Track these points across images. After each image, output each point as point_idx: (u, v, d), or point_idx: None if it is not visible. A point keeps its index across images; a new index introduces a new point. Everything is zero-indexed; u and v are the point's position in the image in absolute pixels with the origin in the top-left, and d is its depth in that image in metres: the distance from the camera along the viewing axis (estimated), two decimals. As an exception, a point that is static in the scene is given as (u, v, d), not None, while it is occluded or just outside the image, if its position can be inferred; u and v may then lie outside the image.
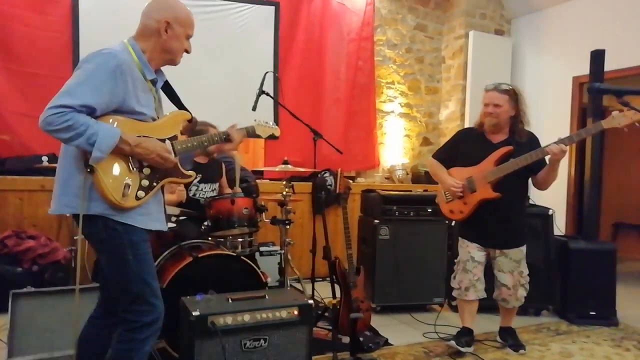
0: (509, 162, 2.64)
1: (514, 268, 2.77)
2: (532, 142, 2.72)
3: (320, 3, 4.93)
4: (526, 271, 2.82)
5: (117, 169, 1.65)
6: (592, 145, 3.63)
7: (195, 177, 3.36)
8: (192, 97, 4.30)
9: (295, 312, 2.06)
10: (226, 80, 4.49)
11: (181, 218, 3.00)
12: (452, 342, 2.78)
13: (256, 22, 4.69)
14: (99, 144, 1.55)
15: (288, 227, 3.07)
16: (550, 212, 3.66)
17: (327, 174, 4.71)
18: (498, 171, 2.66)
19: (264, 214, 3.01)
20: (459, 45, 5.46)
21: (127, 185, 1.65)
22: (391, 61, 5.40)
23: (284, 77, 4.82)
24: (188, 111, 1.92)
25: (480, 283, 2.79)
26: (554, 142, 2.52)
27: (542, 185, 2.72)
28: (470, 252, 2.80)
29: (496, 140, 2.76)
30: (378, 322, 3.30)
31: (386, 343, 2.90)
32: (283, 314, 2.04)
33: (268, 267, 3.85)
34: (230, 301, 2.05)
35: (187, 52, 1.88)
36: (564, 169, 4.81)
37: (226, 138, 1.98)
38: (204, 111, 4.12)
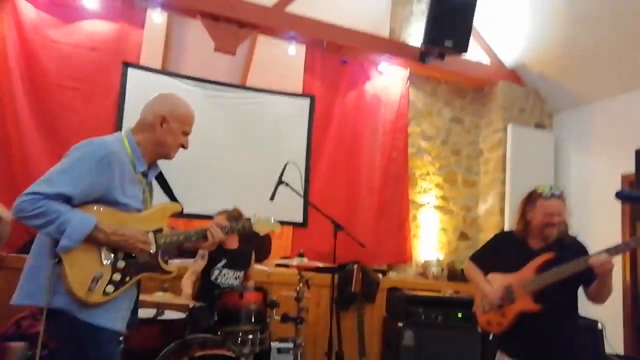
0: (550, 271, 2.37)
1: None
2: (579, 249, 2.43)
3: (355, 96, 5.04)
4: None
5: (86, 260, 1.58)
6: None
7: (221, 261, 3.34)
8: (222, 182, 4.46)
9: None
10: (258, 169, 4.54)
11: (197, 305, 2.88)
12: None
13: (291, 113, 4.82)
14: (69, 233, 1.52)
15: (300, 325, 2.86)
16: (600, 325, 3.25)
17: (355, 267, 4.49)
18: (538, 280, 2.39)
19: (274, 310, 2.83)
20: (497, 139, 5.34)
21: (96, 279, 1.57)
22: (426, 152, 5.34)
23: (316, 167, 4.84)
24: (179, 203, 1.88)
25: None
26: (599, 252, 2.26)
27: (595, 300, 2.41)
28: None
29: (537, 247, 2.52)
30: None
31: None
32: None
33: (284, 366, 3.58)
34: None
35: (184, 147, 1.89)
36: (618, 274, 4.35)
37: (203, 236, 1.90)
38: (232, 197, 4.19)
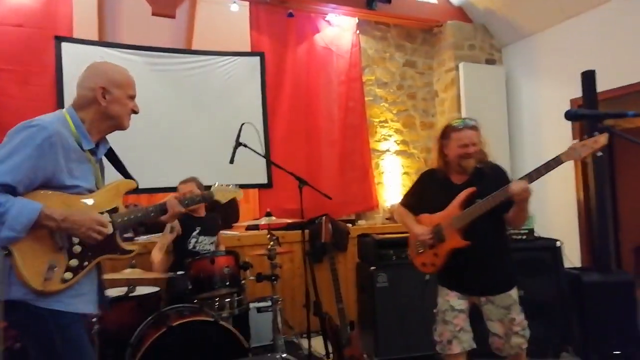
0: (473, 206, 2.41)
1: (503, 316, 2.49)
2: (498, 176, 2.47)
3: (306, 49, 4.93)
4: (519, 317, 2.52)
5: (38, 249, 1.51)
6: (594, 165, 3.42)
7: (195, 230, 3.31)
8: (180, 151, 4.35)
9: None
10: (214, 134, 4.44)
11: (175, 274, 2.86)
12: None
13: (242, 74, 4.69)
14: (10, 223, 1.43)
15: (276, 282, 2.89)
16: (558, 243, 3.44)
17: (323, 219, 4.54)
18: (464, 217, 2.43)
19: (248, 271, 2.85)
20: (450, 78, 5.38)
21: (52, 267, 1.51)
22: (382, 100, 5.34)
23: (274, 125, 4.78)
24: (133, 179, 1.82)
25: (465, 333, 2.51)
26: (517, 180, 2.33)
27: (513, 225, 2.51)
28: (450, 301, 2.54)
29: (459, 182, 2.53)
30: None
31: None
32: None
33: (265, 324, 3.64)
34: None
35: (135, 112, 1.80)
36: (572, 194, 4.59)
37: (162, 211, 1.86)
38: (192, 166, 4.11)
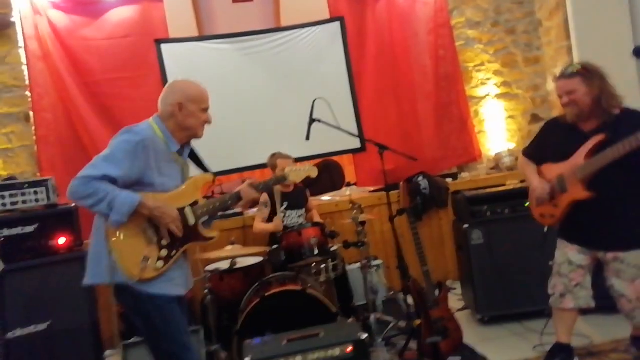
0: (601, 154, 2.22)
1: (634, 276, 2.27)
2: (635, 123, 2.19)
3: (385, 4, 4.78)
4: None
5: (134, 245, 1.82)
6: None
7: (282, 205, 3.58)
8: (273, 129, 4.59)
9: (349, 349, 2.03)
10: (303, 107, 4.56)
11: (273, 247, 3.17)
12: None
13: (325, 42, 4.73)
14: (118, 208, 1.75)
15: (363, 248, 3.01)
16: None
17: (420, 178, 4.50)
18: (588, 166, 2.26)
19: (335, 239, 3.01)
20: (555, 3, 4.79)
21: (146, 258, 1.82)
22: (476, 41, 4.97)
23: (361, 87, 4.78)
24: (211, 173, 2.05)
25: (583, 290, 2.38)
26: None
27: None
28: (568, 254, 2.41)
29: (588, 129, 2.34)
30: (484, 335, 3.07)
31: (484, 361, 2.67)
32: (336, 351, 2.03)
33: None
34: (285, 342, 2.10)
35: (208, 122, 2.01)
36: None
37: (238, 198, 2.05)
38: (285, 141, 4.33)
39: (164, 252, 1.88)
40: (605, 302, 2.43)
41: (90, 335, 2.83)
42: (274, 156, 3.62)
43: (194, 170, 2.19)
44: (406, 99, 4.82)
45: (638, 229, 2.29)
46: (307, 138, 3.02)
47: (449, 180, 4.66)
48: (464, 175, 4.89)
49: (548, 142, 2.52)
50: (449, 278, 4.27)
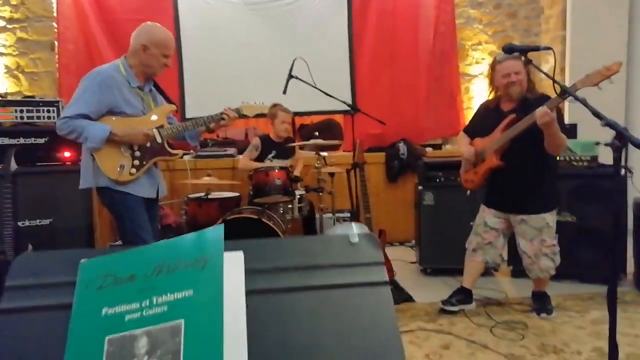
0: (508, 130, 2.61)
1: (534, 236, 2.69)
2: (539, 104, 2.52)
3: (393, -25, 5.00)
4: (551, 240, 2.70)
5: (112, 154, 2.30)
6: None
7: (271, 152, 3.99)
8: (274, 81, 4.94)
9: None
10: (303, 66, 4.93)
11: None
12: (440, 303, 2.85)
13: (330, 6, 5.01)
14: (91, 139, 2.22)
15: (321, 194, 3.44)
16: (623, 171, 3.29)
17: (401, 144, 4.85)
18: (500, 139, 2.65)
19: (298, 183, 3.44)
20: (557, -9, 4.94)
21: (122, 166, 2.28)
22: (476, 21, 5.18)
23: (360, 52, 5.06)
24: (173, 103, 2.48)
25: (492, 248, 2.79)
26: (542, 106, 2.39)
27: (549, 151, 2.57)
28: (485, 217, 2.83)
29: (507, 109, 2.71)
30: (421, 282, 3.52)
31: (408, 299, 3.10)
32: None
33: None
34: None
35: (167, 66, 2.41)
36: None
37: (219, 119, 2.49)
38: (278, 98, 4.67)
39: (137, 162, 2.35)
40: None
41: (85, 233, 3.36)
42: (275, 106, 3.92)
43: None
44: (401, 69, 5.10)
45: (539, 197, 2.68)
46: (284, 92, 3.38)
47: (430, 149, 4.99)
48: (448, 147, 5.21)
49: (479, 120, 2.89)
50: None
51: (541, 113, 2.36)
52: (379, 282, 0.73)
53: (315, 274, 0.74)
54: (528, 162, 2.64)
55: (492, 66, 2.73)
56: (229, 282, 0.67)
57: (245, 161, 3.87)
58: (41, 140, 3.29)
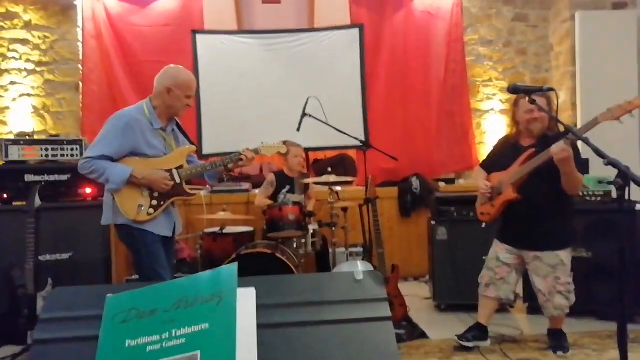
0: (526, 164, 2.64)
1: (548, 273, 2.68)
2: (555, 142, 2.54)
3: (403, 16, 5.17)
4: (566, 278, 2.69)
5: (131, 195, 2.39)
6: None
7: (285, 187, 4.07)
8: (288, 120, 5.08)
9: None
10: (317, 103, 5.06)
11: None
12: (455, 337, 2.82)
13: (343, 45, 5.18)
14: (112, 181, 2.32)
15: (334, 229, 3.49)
16: (639, 207, 3.28)
17: (414, 178, 4.90)
18: (518, 172, 2.67)
19: (312, 218, 3.50)
20: (565, 29, 5.05)
21: (140, 206, 2.37)
22: (487, 58, 5.29)
23: (372, 90, 5.19)
24: (193, 144, 2.58)
25: (505, 284, 2.78)
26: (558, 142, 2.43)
27: (566, 189, 2.59)
28: (498, 252, 2.83)
29: (526, 144, 2.75)
30: (435, 318, 3.49)
31: (421, 336, 3.08)
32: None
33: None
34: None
35: (189, 106, 2.53)
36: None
37: (238, 158, 2.55)
38: (293, 136, 4.77)
39: (155, 202, 2.42)
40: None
41: (103, 267, 3.44)
42: (285, 143, 4.05)
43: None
44: (413, 106, 5.21)
45: (553, 234, 2.68)
46: (298, 130, 3.49)
47: (443, 184, 5.02)
48: (461, 181, 5.24)
49: (497, 155, 2.92)
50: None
51: (558, 149, 2.40)
52: (382, 317, 0.77)
53: (323, 309, 0.78)
54: (544, 198, 2.65)
55: (516, 100, 2.77)
56: (242, 317, 0.72)
57: (260, 199, 3.97)
58: (64, 177, 3.42)
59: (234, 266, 0.79)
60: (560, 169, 2.48)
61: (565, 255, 2.70)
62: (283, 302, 0.79)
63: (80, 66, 4.78)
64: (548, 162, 2.50)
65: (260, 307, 0.77)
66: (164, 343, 0.68)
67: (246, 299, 0.77)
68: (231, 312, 0.70)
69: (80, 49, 4.77)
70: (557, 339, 2.80)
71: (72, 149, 3.49)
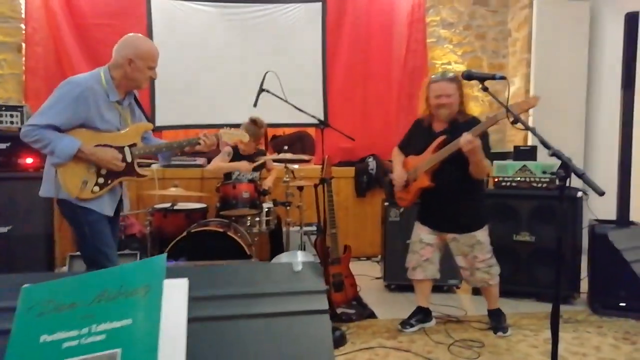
0: (436, 153, 2.69)
1: (467, 252, 2.80)
2: (470, 127, 2.61)
3: (367, -8, 5.10)
4: (484, 255, 2.79)
5: (76, 169, 2.22)
6: (623, 112, 3.27)
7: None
8: (245, 92, 4.96)
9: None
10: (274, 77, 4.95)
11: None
12: (399, 326, 2.90)
13: (304, 19, 5.06)
14: (58, 154, 2.15)
15: (289, 208, 3.46)
16: (579, 194, 3.43)
17: (370, 159, 4.93)
18: (430, 161, 2.73)
19: (266, 196, 3.45)
20: (524, 16, 5.13)
21: (85, 182, 2.22)
22: (447, 41, 5.32)
23: (333, 67, 5.13)
24: (150, 122, 2.44)
25: (430, 264, 2.88)
26: (466, 133, 2.49)
27: (474, 175, 2.67)
28: (420, 234, 2.91)
29: (438, 129, 2.80)
30: (384, 298, 3.55)
31: (370, 316, 3.14)
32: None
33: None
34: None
35: (153, 78, 2.37)
36: (616, 147, 4.25)
37: (196, 143, 2.42)
38: (252, 109, 4.67)
39: (101, 180, 2.28)
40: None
41: (45, 243, 3.29)
42: (247, 128, 3.91)
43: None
44: (373, 86, 5.19)
45: (468, 217, 2.79)
46: (255, 105, 3.40)
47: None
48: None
49: (412, 138, 2.96)
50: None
51: (465, 141, 2.46)
52: (319, 310, 0.76)
53: (258, 301, 0.76)
54: (456, 184, 2.73)
55: (427, 84, 2.80)
56: (171, 310, 0.69)
57: (216, 162, 3.85)
58: (3, 146, 3.21)
59: (163, 257, 0.74)
60: (469, 158, 2.55)
61: (481, 234, 2.80)
62: (217, 294, 0.75)
63: (23, 25, 4.45)
64: (458, 151, 2.56)
65: (192, 300, 0.74)
66: (82, 339, 0.64)
67: (177, 291, 0.73)
68: (156, 306, 0.66)
69: (23, 6, 4.44)
70: (496, 320, 2.92)
71: (12, 116, 3.28)
